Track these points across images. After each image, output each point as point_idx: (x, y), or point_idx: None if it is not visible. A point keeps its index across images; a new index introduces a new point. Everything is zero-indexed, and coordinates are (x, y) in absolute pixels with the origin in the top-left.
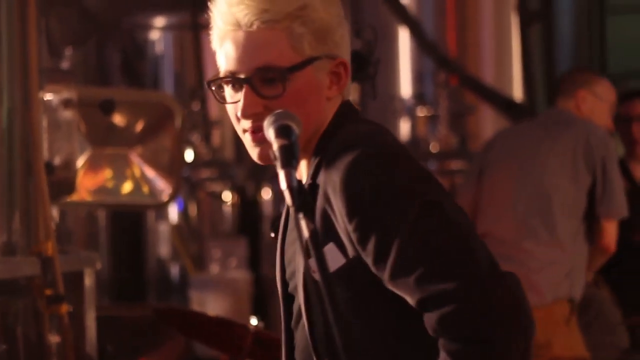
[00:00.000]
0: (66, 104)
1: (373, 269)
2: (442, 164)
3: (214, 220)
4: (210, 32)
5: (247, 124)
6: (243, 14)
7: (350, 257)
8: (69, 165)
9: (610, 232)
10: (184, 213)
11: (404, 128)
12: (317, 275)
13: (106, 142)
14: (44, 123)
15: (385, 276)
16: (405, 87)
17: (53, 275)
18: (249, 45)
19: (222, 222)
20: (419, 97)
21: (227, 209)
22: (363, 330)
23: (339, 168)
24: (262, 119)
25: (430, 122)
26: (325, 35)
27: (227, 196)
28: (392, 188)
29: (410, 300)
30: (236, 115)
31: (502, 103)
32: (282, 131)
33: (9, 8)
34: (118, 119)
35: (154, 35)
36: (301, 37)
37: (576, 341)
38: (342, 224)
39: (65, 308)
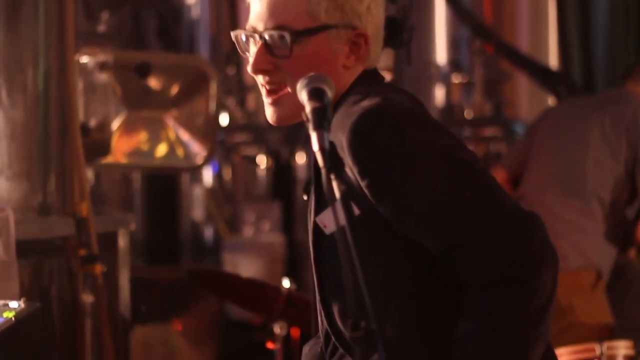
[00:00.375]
0: (102, 66)
1: (394, 223)
2: (476, 130)
3: (248, 184)
4: None
5: (260, 79)
6: None
7: (365, 208)
8: (104, 127)
9: None
10: (218, 176)
11: (439, 95)
12: (328, 231)
13: (142, 105)
14: (80, 85)
15: (407, 229)
16: (441, 54)
17: (87, 235)
18: (270, 4)
19: (256, 186)
20: (454, 64)
21: (261, 172)
22: (383, 282)
23: (345, 126)
24: (272, 77)
25: (464, 89)
26: (344, 5)
27: (262, 160)
28: (402, 141)
29: (436, 249)
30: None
31: (538, 71)
32: (315, 93)
33: None
34: (153, 83)
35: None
36: (318, 4)
37: (600, 308)
38: (354, 179)
39: (99, 268)
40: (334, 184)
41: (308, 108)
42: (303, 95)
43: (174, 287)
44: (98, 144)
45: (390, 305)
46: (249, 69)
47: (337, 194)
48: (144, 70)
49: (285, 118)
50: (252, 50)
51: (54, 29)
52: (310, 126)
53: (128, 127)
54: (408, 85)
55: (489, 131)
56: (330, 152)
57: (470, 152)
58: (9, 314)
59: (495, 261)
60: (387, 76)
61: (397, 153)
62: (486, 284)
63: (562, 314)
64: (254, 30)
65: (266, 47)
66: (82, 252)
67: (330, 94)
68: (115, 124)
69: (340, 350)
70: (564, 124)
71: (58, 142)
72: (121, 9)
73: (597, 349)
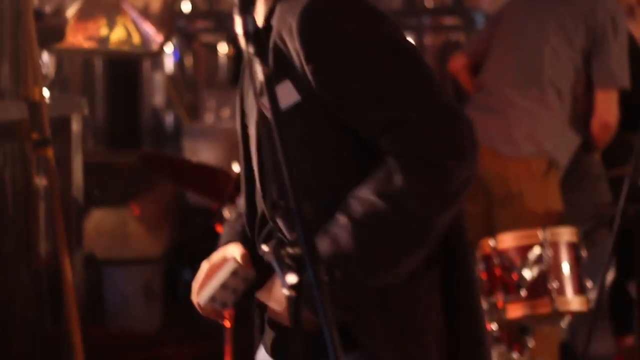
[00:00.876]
0: None
1: (329, 104)
2: (436, 19)
3: (209, 71)
4: None
5: None
6: None
7: (305, 93)
8: (59, 12)
9: (604, 103)
10: (179, 63)
11: None
12: (269, 114)
13: None
14: None
15: (346, 114)
16: None
17: (40, 119)
18: None
19: (217, 73)
20: None
21: (223, 60)
22: (312, 166)
23: (295, 11)
24: None
25: None
26: None
27: (223, 47)
28: (349, 26)
29: (366, 129)
30: None
31: None
32: None
33: None
34: None
35: None
36: None
37: (550, 196)
38: (298, 63)
39: (51, 152)
40: (259, 68)
41: None
42: None
43: (133, 172)
44: (52, 29)
45: (316, 187)
46: None
47: (261, 78)
48: None
49: None
50: None
51: None
52: (236, 10)
53: (85, 13)
54: None
55: (449, 20)
56: (255, 36)
57: (411, 43)
58: None
59: (425, 141)
60: None
61: (343, 38)
62: (406, 159)
63: (511, 200)
64: None
65: None
66: (35, 135)
67: None
68: (72, 10)
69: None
70: (524, 14)
71: (12, 27)
72: None
73: (540, 234)
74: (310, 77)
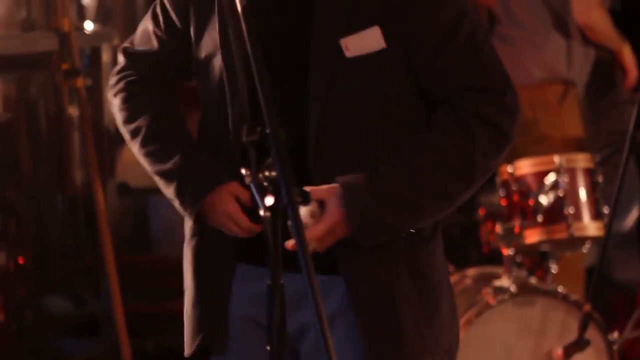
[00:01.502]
0: None
1: (415, 54)
2: None
3: None
4: None
5: None
6: None
7: (393, 40)
8: None
9: (578, 5)
10: None
11: None
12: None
13: None
14: None
15: (435, 61)
16: None
17: (69, 50)
18: None
19: None
20: None
21: None
22: (378, 113)
23: None
24: None
25: None
26: None
27: None
28: None
29: (448, 83)
30: None
31: None
32: None
33: None
34: None
35: None
36: None
37: (568, 122)
38: (397, 7)
39: (81, 82)
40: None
41: None
42: None
43: None
44: None
45: (378, 135)
46: None
47: (239, 7)
48: None
49: None
50: None
51: None
52: None
53: None
54: None
55: None
56: None
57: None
58: None
59: (500, 112)
60: None
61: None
62: (480, 118)
63: (528, 127)
64: None
65: None
66: (65, 66)
67: None
68: None
69: None
70: None
71: None
72: None
73: (556, 160)
74: (410, 20)
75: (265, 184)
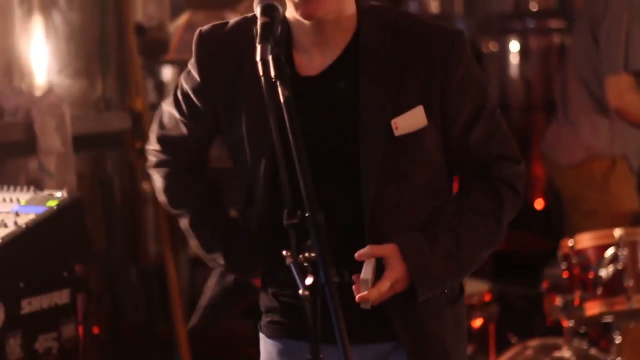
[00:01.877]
0: None
1: (451, 130)
2: (541, 22)
3: None
4: None
5: None
6: None
7: (433, 119)
8: (160, 26)
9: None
10: None
11: None
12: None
13: (204, 4)
14: None
15: (470, 135)
16: None
17: (142, 128)
18: None
19: None
20: None
21: None
22: (422, 186)
23: (459, 45)
24: None
25: None
26: None
27: None
28: (477, 67)
29: (480, 155)
30: None
31: None
32: (266, 10)
33: None
34: None
35: None
36: None
37: (618, 195)
38: (438, 89)
39: None
40: (280, 89)
41: (259, 21)
42: (257, 10)
43: None
44: (155, 42)
45: (419, 210)
46: None
47: (282, 98)
48: None
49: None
50: None
51: None
52: (257, 39)
53: (191, 26)
54: None
55: (554, 23)
56: (278, 61)
57: None
58: (51, 203)
59: (518, 175)
60: None
61: (478, 74)
62: (506, 184)
63: (576, 203)
64: None
65: None
66: (139, 144)
67: (281, 10)
68: (175, 24)
69: None
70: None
71: (115, 42)
72: None
73: (616, 234)
74: (448, 101)
75: (305, 264)
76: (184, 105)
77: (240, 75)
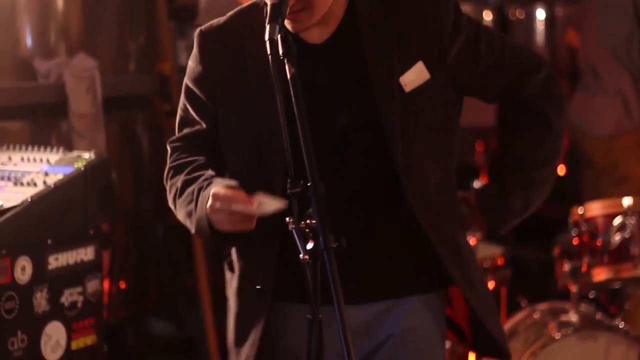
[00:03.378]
0: None
1: (461, 74)
2: None
3: None
4: None
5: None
6: None
7: (436, 70)
8: None
9: None
10: None
11: None
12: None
13: None
14: None
15: (488, 70)
16: None
17: (170, 92)
18: None
19: None
20: None
21: None
22: (438, 141)
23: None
24: (295, 9)
25: None
26: None
27: None
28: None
29: (509, 82)
30: None
31: None
32: None
33: None
34: None
35: None
36: None
37: None
38: (436, 41)
39: None
40: (287, 66)
41: (269, 3)
42: None
43: None
44: (185, 8)
45: (439, 162)
46: None
47: (289, 75)
48: None
49: (305, 29)
50: None
51: None
52: (267, 19)
53: None
54: None
55: None
56: (286, 40)
57: None
58: (79, 164)
59: (547, 81)
60: None
61: (469, 16)
62: (543, 98)
63: (612, 169)
64: None
65: None
66: (166, 107)
67: None
68: None
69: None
70: None
71: (145, 7)
72: None
73: (625, 203)
74: (453, 49)
75: (306, 230)
76: (193, 103)
77: (243, 59)
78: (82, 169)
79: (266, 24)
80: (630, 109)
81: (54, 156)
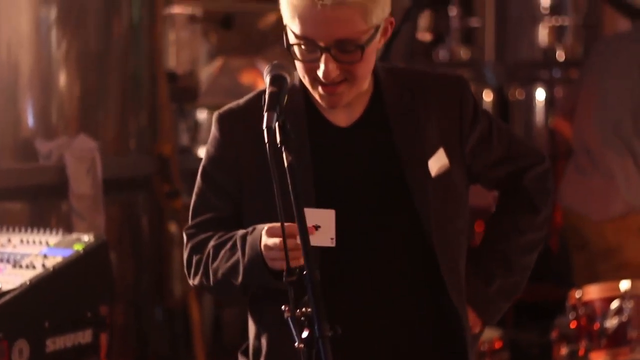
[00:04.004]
0: (191, 19)
1: (475, 161)
2: (566, 72)
3: None
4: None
5: (321, 80)
6: None
7: (455, 157)
8: (192, 74)
9: None
10: None
11: (533, 35)
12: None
13: (237, 50)
14: (172, 37)
15: (499, 154)
16: None
17: (170, 172)
18: (328, 19)
19: None
20: (552, 6)
21: None
22: (456, 218)
23: (456, 86)
24: (338, 80)
25: (558, 32)
26: (384, 3)
27: None
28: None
29: (507, 173)
30: (307, 70)
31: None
32: (276, 79)
33: None
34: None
35: None
36: (371, 12)
37: None
38: (457, 129)
39: (180, 203)
40: (284, 155)
41: (267, 91)
42: (266, 79)
43: None
44: (186, 89)
45: (462, 249)
46: (320, 74)
47: (286, 163)
48: (227, 23)
49: (341, 105)
50: (306, 55)
51: None
52: (264, 107)
53: (225, 71)
54: (511, 26)
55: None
56: (284, 128)
57: None
58: (78, 247)
59: (544, 175)
60: (428, 37)
61: (487, 112)
62: (536, 190)
63: (611, 254)
64: (315, 42)
65: (333, 58)
66: (166, 188)
67: (289, 80)
68: (209, 69)
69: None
70: (607, 65)
71: (147, 88)
72: None
73: (622, 287)
74: (471, 139)
75: (302, 318)
76: (210, 186)
77: (260, 145)
78: (81, 251)
79: (264, 112)
80: (631, 191)
81: (53, 238)
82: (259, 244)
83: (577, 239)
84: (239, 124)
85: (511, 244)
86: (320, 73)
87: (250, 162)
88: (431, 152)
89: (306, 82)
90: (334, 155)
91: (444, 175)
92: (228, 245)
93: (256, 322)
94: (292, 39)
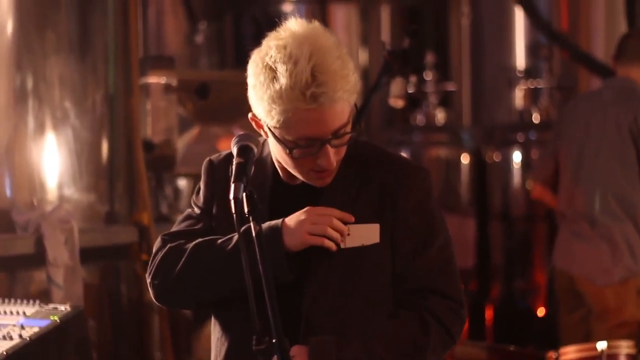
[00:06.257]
0: (166, 89)
1: (403, 254)
2: (542, 134)
3: None
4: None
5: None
6: (320, 91)
7: (384, 238)
8: (168, 143)
9: None
10: None
11: (509, 98)
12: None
13: (213, 118)
14: (148, 106)
15: (416, 261)
16: (520, 59)
17: (148, 242)
18: (327, 116)
19: None
20: (527, 70)
21: None
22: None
23: (414, 178)
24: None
25: (534, 94)
26: (358, 88)
27: None
28: (433, 203)
29: (418, 282)
30: (302, 163)
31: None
32: (243, 150)
33: (113, 5)
34: (223, 98)
35: (287, 7)
36: (353, 95)
37: None
38: (391, 214)
39: None
40: (252, 225)
41: (234, 161)
42: (234, 150)
43: None
44: (163, 158)
45: (360, 308)
46: (323, 165)
47: (254, 232)
48: (203, 92)
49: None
50: (304, 151)
51: (120, 57)
52: (232, 178)
53: (201, 139)
54: (487, 89)
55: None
56: (251, 199)
57: None
58: (55, 317)
59: (455, 320)
60: (400, 103)
61: (433, 208)
62: (439, 321)
63: (610, 315)
64: (315, 139)
65: (332, 147)
66: (144, 257)
67: (256, 150)
68: (186, 138)
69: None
70: (580, 129)
71: (123, 159)
72: (222, 18)
73: (599, 347)
74: (398, 229)
75: None
76: (193, 210)
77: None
78: (58, 321)
79: (231, 182)
80: (636, 257)
81: (30, 309)
82: (280, 222)
83: (573, 301)
84: (221, 170)
85: (382, 336)
86: (322, 163)
87: (222, 210)
88: (358, 220)
89: (296, 172)
90: (283, 208)
91: (365, 250)
92: (226, 238)
93: (218, 330)
94: (287, 142)
